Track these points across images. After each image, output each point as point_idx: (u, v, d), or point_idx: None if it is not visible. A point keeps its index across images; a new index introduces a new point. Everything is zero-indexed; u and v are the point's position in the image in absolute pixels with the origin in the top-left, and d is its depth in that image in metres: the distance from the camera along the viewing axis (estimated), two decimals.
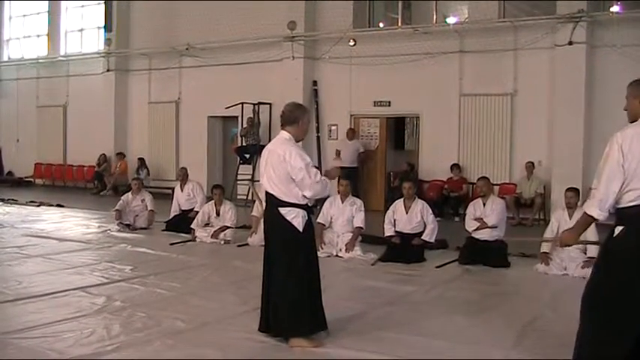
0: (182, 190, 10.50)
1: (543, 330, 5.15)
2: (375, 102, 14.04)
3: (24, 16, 20.70)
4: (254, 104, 14.82)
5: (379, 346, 4.61)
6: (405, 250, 7.99)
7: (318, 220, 8.26)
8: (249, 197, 14.01)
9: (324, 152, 14.33)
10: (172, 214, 10.44)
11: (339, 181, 8.61)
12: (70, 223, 11.22)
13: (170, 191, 11.83)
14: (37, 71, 19.66)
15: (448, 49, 12.98)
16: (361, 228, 8.32)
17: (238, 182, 14.90)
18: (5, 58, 21.03)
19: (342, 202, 8.45)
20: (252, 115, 14.84)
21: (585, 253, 7.12)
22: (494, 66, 12.64)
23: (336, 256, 8.17)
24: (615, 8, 11.54)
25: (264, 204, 5.11)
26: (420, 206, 8.30)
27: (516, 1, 12.73)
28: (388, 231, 8.31)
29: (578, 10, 11.42)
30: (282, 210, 4.61)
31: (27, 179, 19.57)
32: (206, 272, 7.25)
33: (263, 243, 4.87)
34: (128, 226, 10.33)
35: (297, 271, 4.58)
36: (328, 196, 7.39)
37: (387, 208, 8.77)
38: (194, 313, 5.41)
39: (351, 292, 6.44)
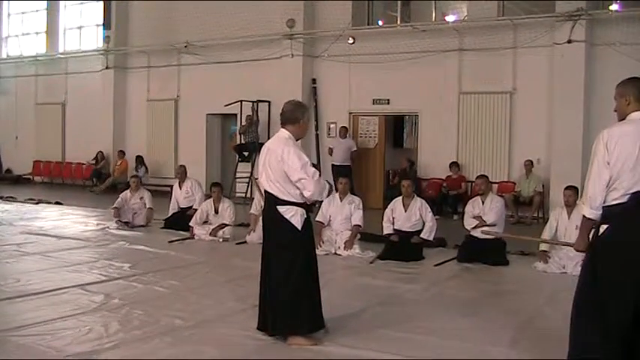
0: (180, 188, 10.50)
1: (541, 328, 5.15)
2: (374, 100, 14.04)
3: (23, 13, 20.67)
4: (253, 102, 14.82)
5: (377, 344, 4.61)
6: (403, 248, 7.99)
7: (317, 218, 8.27)
8: (248, 195, 14.03)
9: (323, 150, 14.33)
10: (171, 212, 10.45)
11: (338, 180, 8.59)
12: (69, 220, 11.21)
13: (169, 189, 11.83)
14: (35, 69, 19.64)
15: (447, 48, 12.96)
16: (360, 226, 8.32)
17: (237, 180, 14.89)
18: (4, 56, 21.00)
19: (341, 201, 8.45)
20: (251, 113, 14.83)
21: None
22: (493, 64, 12.63)
23: (335, 254, 8.18)
24: (614, 7, 11.57)
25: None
26: (418, 204, 8.30)
27: (515, 0, 12.72)
28: (387, 229, 8.31)
29: (577, 9, 11.41)
30: (281, 208, 4.61)
31: (25, 177, 19.57)
32: (204, 270, 7.26)
33: (261, 241, 4.87)
34: (127, 223, 10.32)
35: (295, 269, 4.57)
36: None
37: (386, 206, 8.76)
38: (192, 310, 5.41)
39: (349, 290, 6.44)
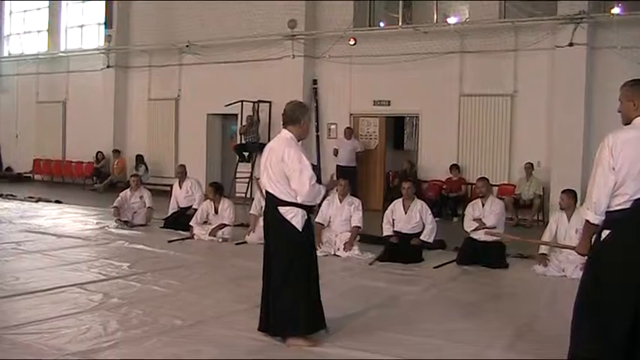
0: (180, 188, 10.50)
1: (540, 331, 5.15)
2: (374, 101, 14.03)
3: (24, 11, 20.65)
4: (254, 102, 14.81)
5: (377, 345, 4.61)
6: (403, 250, 7.99)
7: (317, 219, 8.26)
8: (248, 195, 14.02)
9: (324, 151, 14.32)
10: (170, 212, 10.44)
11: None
12: (68, 219, 11.21)
13: (168, 188, 11.81)
14: (36, 67, 19.62)
15: (448, 49, 12.96)
16: (359, 227, 8.31)
17: (237, 180, 14.88)
18: (5, 54, 21.00)
19: (341, 202, 8.44)
20: (251, 113, 14.82)
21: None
22: (494, 66, 12.63)
23: (334, 255, 8.17)
24: (616, 10, 11.54)
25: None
26: (418, 206, 8.30)
27: (517, 2, 12.71)
28: (387, 231, 8.31)
29: (579, 12, 11.40)
30: (282, 209, 4.60)
31: (26, 175, 19.56)
32: (204, 270, 7.25)
33: (261, 241, 4.86)
34: (126, 222, 10.32)
35: (296, 270, 4.57)
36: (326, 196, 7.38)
37: (386, 208, 8.76)
38: (191, 310, 5.41)
39: (348, 291, 6.43)
